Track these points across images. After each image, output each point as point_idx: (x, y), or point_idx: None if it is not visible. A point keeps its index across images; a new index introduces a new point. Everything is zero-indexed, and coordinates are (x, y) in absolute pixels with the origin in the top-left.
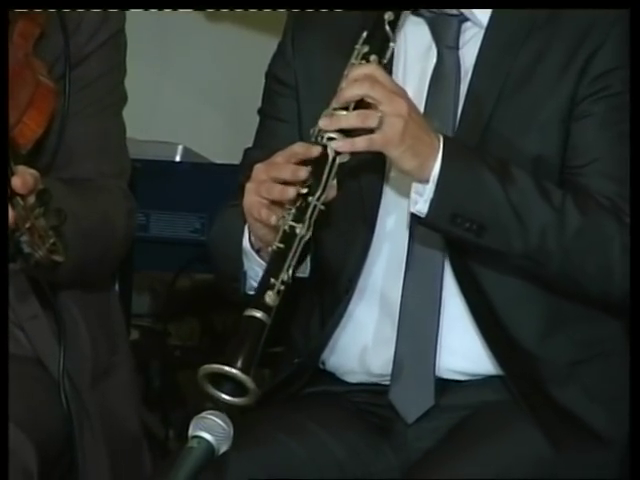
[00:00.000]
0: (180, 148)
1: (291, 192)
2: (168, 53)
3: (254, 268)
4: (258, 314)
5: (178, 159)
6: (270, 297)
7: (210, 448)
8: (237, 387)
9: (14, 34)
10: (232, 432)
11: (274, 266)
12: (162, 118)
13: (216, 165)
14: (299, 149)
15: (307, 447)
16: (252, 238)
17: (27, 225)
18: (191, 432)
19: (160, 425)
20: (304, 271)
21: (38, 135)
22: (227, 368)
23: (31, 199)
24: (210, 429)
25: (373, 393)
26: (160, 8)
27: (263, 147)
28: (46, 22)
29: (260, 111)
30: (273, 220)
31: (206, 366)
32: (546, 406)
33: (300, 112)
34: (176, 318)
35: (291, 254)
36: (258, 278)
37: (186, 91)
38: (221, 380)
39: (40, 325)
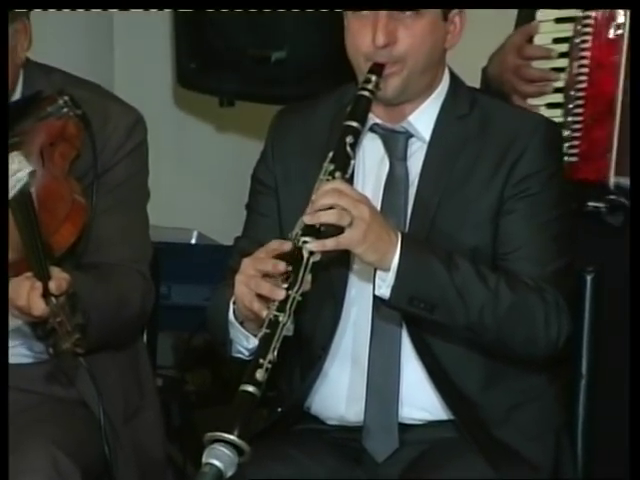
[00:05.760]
0: (195, 233)
1: (281, 294)
2: (184, 154)
3: (238, 336)
4: (250, 389)
5: (193, 241)
6: (260, 374)
7: (219, 473)
8: (235, 448)
9: (55, 153)
10: (237, 460)
11: (262, 349)
12: (180, 208)
13: (225, 247)
14: (275, 245)
15: (291, 469)
16: (237, 313)
17: (58, 319)
18: (204, 460)
19: (179, 454)
20: (289, 331)
21: (70, 244)
22: (227, 435)
23: (62, 299)
24: (219, 457)
25: (349, 431)
26: (160, 8)
27: (249, 237)
28: (81, 145)
29: (247, 206)
30: (264, 314)
31: (211, 433)
32: (489, 442)
33: (280, 207)
34: (192, 369)
35: (275, 338)
36: (242, 343)
37: (200, 186)
38: (223, 442)
39: (81, 374)
